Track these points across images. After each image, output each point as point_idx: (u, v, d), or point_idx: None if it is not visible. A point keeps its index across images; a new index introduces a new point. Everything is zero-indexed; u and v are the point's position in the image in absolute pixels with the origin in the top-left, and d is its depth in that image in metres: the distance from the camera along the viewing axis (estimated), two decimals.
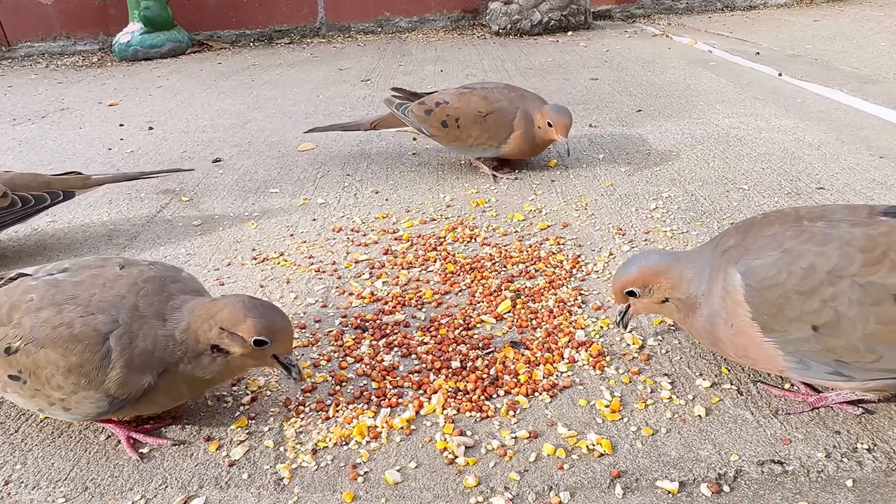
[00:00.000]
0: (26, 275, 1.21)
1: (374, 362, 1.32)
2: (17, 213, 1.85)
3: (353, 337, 1.40)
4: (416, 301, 1.53)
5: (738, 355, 1.12)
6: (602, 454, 1.06)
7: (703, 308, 1.12)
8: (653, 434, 1.10)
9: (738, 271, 1.07)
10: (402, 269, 1.69)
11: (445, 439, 1.10)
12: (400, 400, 1.21)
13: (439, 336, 1.39)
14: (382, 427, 1.14)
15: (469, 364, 1.29)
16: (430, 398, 1.20)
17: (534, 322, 1.42)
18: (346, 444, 1.11)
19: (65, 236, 2.04)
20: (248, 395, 1.24)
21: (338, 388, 1.25)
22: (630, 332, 1.36)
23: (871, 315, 0.98)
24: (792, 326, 1.02)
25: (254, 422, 1.18)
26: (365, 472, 1.06)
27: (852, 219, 1.06)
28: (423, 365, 1.30)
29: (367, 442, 1.11)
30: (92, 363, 1.06)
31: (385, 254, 1.78)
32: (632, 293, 1.20)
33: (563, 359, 1.29)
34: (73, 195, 1.93)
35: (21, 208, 1.84)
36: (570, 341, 1.34)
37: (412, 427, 1.14)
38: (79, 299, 1.11)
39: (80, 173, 2.01)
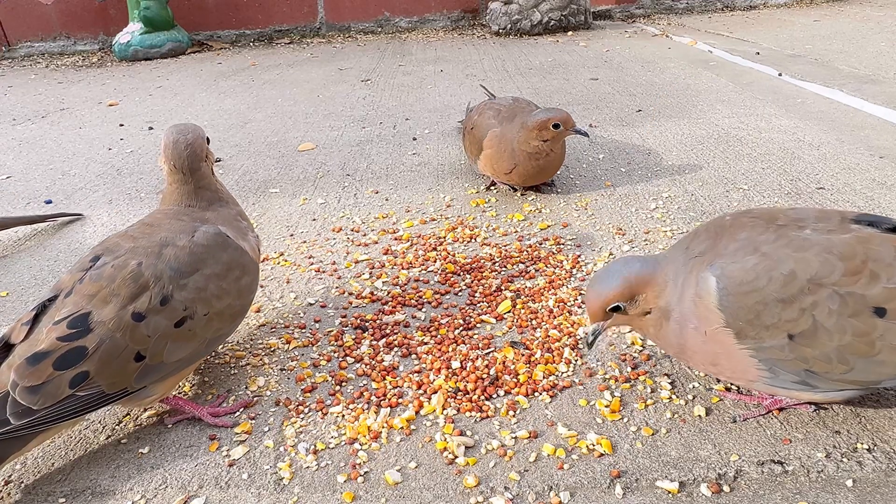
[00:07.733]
0: (54, 298, 1.12)
1: (374, 362, 1.32)
2: None
3: (353, 337, 1.40)
4: (416, 301, 1.53)
5: (706, 363, 1.07)
6: (602, 454, 1.06)
7: (674, 314, 1.06)
8: (653, 434, 1.10)
9: (713, 275, 1.01)
10: (402, 269, 1.69)
11: (445, 439, 1.10)
12: (400, 400, 1.21)
13: (439, 336, 1.39)
14: (382, 427, 1.14)
15: (469, 364, 1.29)
16: (430, 398, 1.20)
17: (534, 322, 1.42)
18: (347, 444, 1.12)
19: (65, 235, 2.04)
20: (247, 395, 1.25)
21: (338, 388, 1.25)
22: (630, 332, 1.36)
23: (849, 326, 0.95)
24: (767, 334, 0.99)
25: (254, 422, 1.18)
26: (365, 472, 1.06)
27: (826, 224, 1.03)
28: (423, 365, 1.30)
29: (368, 442, 1.12)
30: (234, 248, 1.22)
31: (385, 254, 1.78)
32: (617, 308, 1.08)
33: (562, 359, 1.29)
34: None
35: None
36: (570, 341, 1.34)
37: (412, 427, 1.14)
38: (153, 236, 1.18)
39: None
